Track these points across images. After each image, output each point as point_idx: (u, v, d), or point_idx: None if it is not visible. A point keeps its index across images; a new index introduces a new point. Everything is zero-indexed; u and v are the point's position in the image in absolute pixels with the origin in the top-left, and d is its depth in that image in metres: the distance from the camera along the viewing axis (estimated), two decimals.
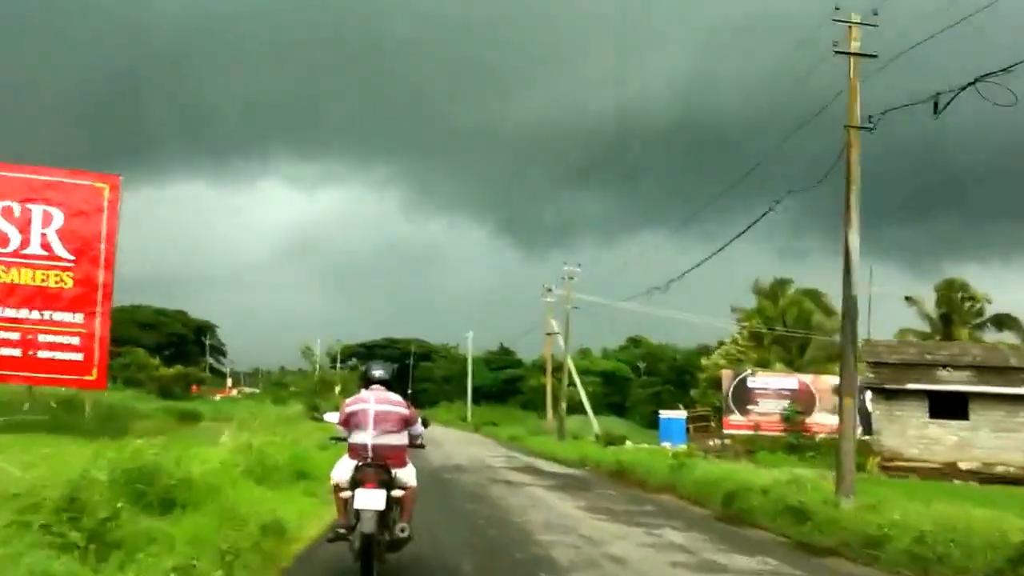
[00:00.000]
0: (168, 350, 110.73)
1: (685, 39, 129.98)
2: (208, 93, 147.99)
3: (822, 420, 44.03)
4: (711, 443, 41.93)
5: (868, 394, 38.04)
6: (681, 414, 47.56)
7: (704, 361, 67.35)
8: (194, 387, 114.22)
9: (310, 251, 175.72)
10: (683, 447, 41.61)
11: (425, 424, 9.68)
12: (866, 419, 41.17)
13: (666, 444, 41.82)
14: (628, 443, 41.72)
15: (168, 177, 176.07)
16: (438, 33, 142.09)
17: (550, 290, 55.99)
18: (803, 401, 45.57)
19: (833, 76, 17.29)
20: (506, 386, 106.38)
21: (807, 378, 47.29)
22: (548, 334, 58.97)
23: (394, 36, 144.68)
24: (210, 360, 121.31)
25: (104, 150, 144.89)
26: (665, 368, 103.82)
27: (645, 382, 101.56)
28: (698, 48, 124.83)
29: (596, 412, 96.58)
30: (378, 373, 9.21)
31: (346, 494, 8.70)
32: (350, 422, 8.90)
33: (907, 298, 59.14)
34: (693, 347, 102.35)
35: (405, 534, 8.72)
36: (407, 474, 8.94)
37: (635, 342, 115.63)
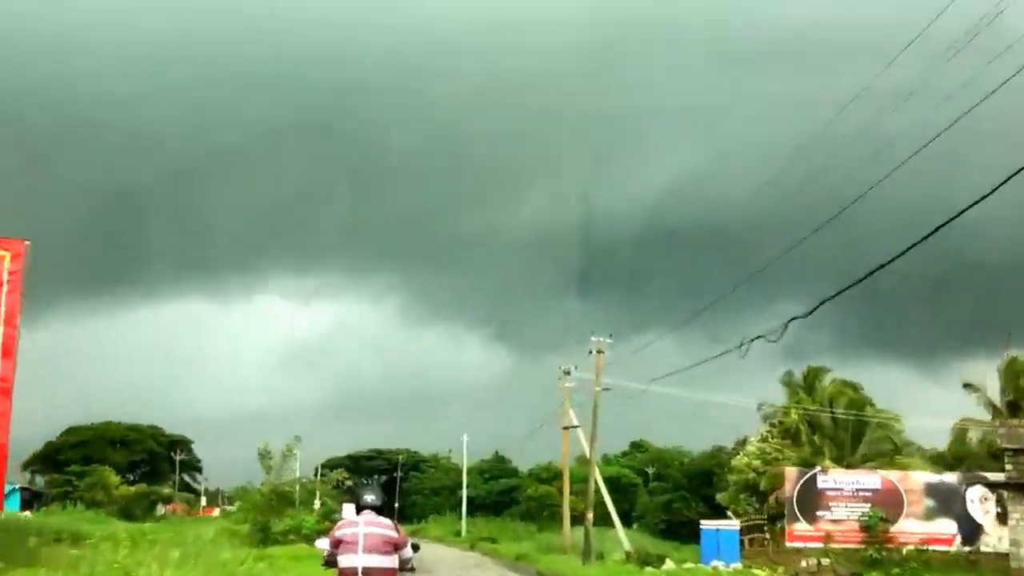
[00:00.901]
0: (140, 468, 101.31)
1: (691, 137, 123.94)
2: (205, 210, 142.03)
3: (911, 527, 34.94)
4: (803, 564, 32.41)
5: (974, 492, 29.36)
6: (733, 524, 37.79)
7: (734, 462, 57.82)
8: (173, 506, 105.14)
9: (304, 364, 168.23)
10: (738, 566, 32.38)
11: (415, 548, 9.87)
12: (971, 526, 32.49)
13: (716, 564, 32.54)
14: (668, 562, 32.48)
15: (164, 296, 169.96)
16: (435, 144, 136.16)
17: (568, 373, 46.83)
18: (887, 504, 36.07)
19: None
20: (502, 497, 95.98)
21: (893, 475, 37.75)
22: (565, 428, 49.34)
23: (391, 148, 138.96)
24: (185, 478, 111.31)
25: (100, 269, 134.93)
26: (676, 474, 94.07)
27: (655, 488, 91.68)
28: (704, 146, 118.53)
29: (599, 523, 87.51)
30: (370, 499, 9.60)
31: None
32: (340, 545, 9.29)
33: (967, 385, 50.37)
34: (705, 449, 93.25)
35: None
36: None
37: (638, 446, 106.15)
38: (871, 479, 37.37)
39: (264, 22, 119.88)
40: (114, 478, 73.17)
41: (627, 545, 40.36)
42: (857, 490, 36.59)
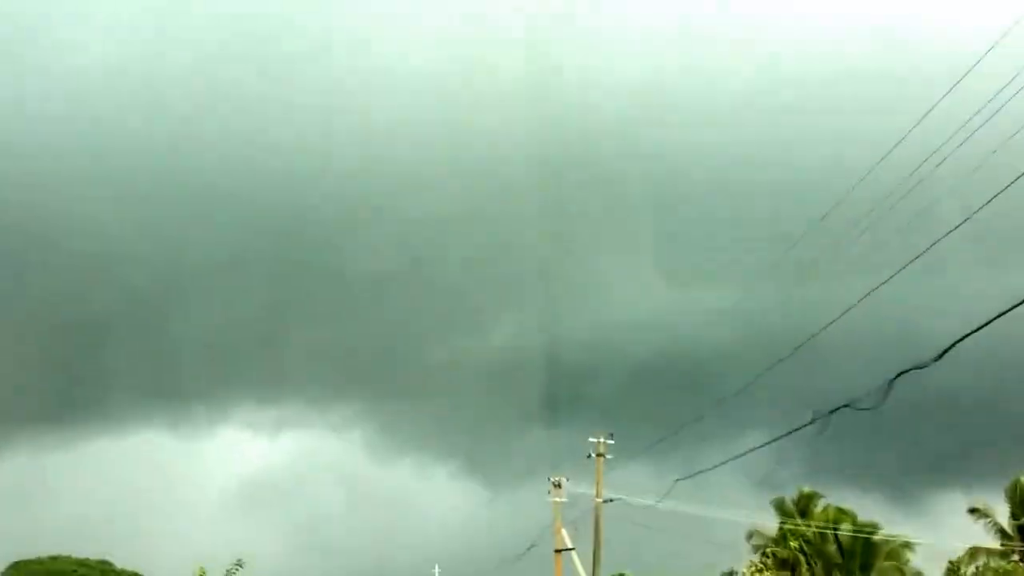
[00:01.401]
0: None
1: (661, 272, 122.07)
2: (168, 338, 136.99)
3: None
4: None
5: None
6: None
7: None
8: None
9: (266, 498, 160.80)
10: None
11: None
12: None
13: None
14: None
15: (126, 427, 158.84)
16: (399, 271, 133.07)
17: (559, 485, 40.40)
18: None
19: None
20: None
21: None
22: (558, 551, 40.20)
23: (355, 275, 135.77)
24: None
25: (61, 399, 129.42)
26: None
27: None
28: (676, 280, 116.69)
29: None
30: None
31: None
32: None
33: (973, 511, 47.55)
34: None
35: None
36: None
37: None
38: None
39: (225, 146, 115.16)
40: None
41: None
42: None
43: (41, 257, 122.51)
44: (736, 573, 66.94)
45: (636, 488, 38.42)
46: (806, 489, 55.09)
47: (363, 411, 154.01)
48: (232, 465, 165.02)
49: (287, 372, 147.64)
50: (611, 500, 36.26)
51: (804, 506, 54.10)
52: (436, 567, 66.75)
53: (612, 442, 37.60)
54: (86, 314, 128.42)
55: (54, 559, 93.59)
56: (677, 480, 28.91)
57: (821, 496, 54.27)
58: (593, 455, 36.88)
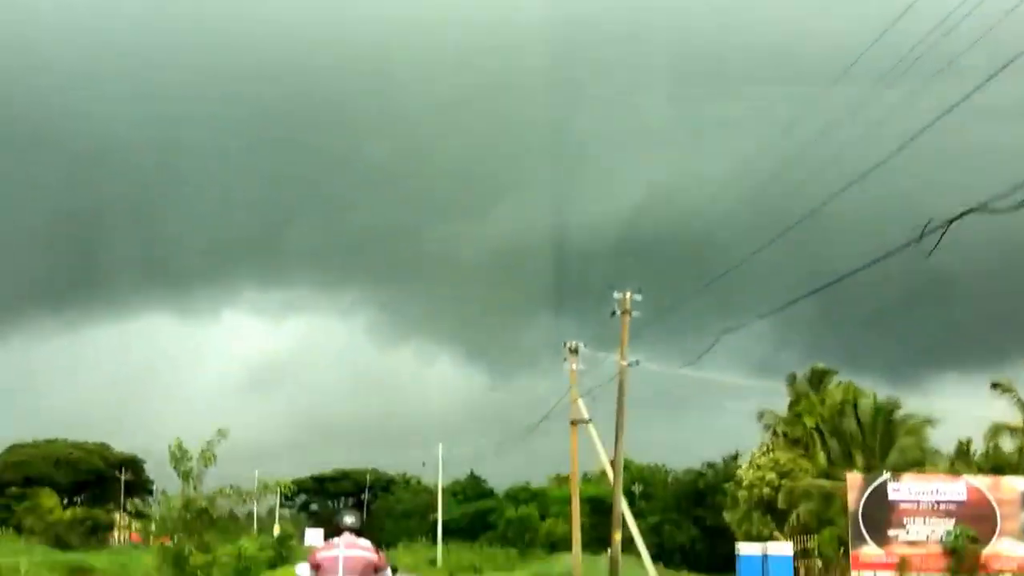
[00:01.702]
0: (87, 490, 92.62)
1: (670, 139, 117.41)
2: (172, 225, 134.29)
3: (1008, 549, 28.11)
4: None
5: None
6: (784, 548, 29.86)
7: (743, 476, 50.52)
8: (134, 535, 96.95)
9: (269, 382, 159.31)
10: None
11: (394, 570, 10.10)
12: None
13: None
14: None
15: (129, 311, 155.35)
16: (406, 156, 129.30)
17: (575, 351, 36.28)
18: (976, 519, 28.60)
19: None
20: (476, 521, 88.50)
21: (980, 482, 30.23)
22: (574, 423, 37.15)
23: (361, 160, 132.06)
24: (138, 502, 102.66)
25: (64, 284, 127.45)
26: (663, 494, 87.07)
27: (642, 510, 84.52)
28: (684, 148, 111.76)
29: (585, 549, 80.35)
30: (349, 521, 9.53)
31: None
32: (320, 570, 9.12)
33: (995, 385, 43.68)
34: (691, 467, 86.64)
35: None
36: None
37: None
38: (954, 487, 29.71)
39: (229, 30, 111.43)
40: (49, 501, 64.74)
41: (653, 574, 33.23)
42: (937, 502, 29.04)
43: (42, 144, 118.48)
44: (741, 455, 64.01)
45: (640, 373, 34.22)
46: (819, 365, 51.54)
47: (368, 295, 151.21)
48: (237, 349, 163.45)
49: (292, 256, 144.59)
50: (636, 363, 31.85)
51: (817, 383, 50.67)
52: (440, 447, 63.65)
53: (640, 298, 33.01)
54: (87, 200, 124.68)
55: (50, 442, 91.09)
56: (721, 333, 24.87)
57: (834, 372, 50.80)
58: (617, 312, 32.56)
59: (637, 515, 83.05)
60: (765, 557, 27.60)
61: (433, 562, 58.12)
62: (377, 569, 9.31)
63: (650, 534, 79.03)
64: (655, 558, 69.64)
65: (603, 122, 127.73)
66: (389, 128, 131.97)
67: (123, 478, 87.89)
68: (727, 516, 51.36)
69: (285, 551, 44.43)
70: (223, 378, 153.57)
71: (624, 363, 28.21)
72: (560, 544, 75.30)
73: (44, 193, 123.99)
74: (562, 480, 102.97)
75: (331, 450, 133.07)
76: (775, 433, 51.52)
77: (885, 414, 44.31)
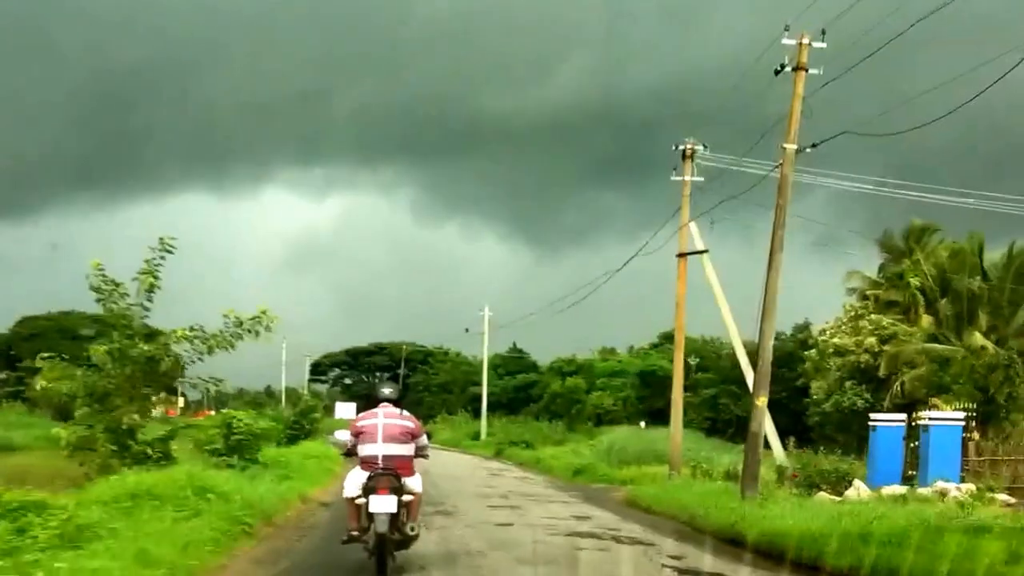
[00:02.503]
0: None
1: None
2: (208, 98, 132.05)
3: None
4: None
5: None
6: (953, 418, 21.69)
7: (833, 341, 43.06)
8: (170, 410, 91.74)
9: (313, 259, 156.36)
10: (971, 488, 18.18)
11: (428, 437, 10.61)
12: None
13: (940, 485, 18.36)
14: (859, 487, 18.33)
15: (166, 188, 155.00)
16: (451, 24, 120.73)
17: (690, 155, 25.36)
18: None
19: None
20: (519, 394, 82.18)
21: None
22: (682, 255, 26.12)
23: (404, 29, 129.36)
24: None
25: (99, 160, 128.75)
26: (723, 364, 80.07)
27: (698, 382, 77.72)
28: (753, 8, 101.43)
29: (632, 421, 73.71)
30: (386, 392, 10.17)
31: (360, 500, 9.53)
32: (361, 436, 9.81)
33: None
34: (752, 339, 79.42)
35: (414, 532, 9.74)
36: (414, 482, 9.86)
37: (670, 338, 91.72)
38: None
39: None
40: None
41: (782, 458, 25.86)
42: None
43: (78, 10, 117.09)
44: (811, 325, 57.21)
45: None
46: (918, 221, 43.35)
47: (411, 170, 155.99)
48: (273, 226, 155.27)
49: (333, 130, 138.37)
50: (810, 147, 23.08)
51: (916, 241, 42.73)
52: (486, 308, 56.40)
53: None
54: (119, 71, 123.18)
55: (66, 314, 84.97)
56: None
57: (937, 228, 42.73)
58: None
59: (691, 387, 76.75)
60: (929, 428, 19.99)
61: (476, 436, 51.53)
62: (414, 436, 9.96)
63: (705, 407, 72.83)
64: (709, 432, 63.29)
65: None
66: None
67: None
68: (813, 386, 44.03)
69: (308, 424, 37.75)
70: (262, 256, 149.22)
71: (792, 148, 18.97)
72: (606, 417, 69.32)
73: (76, 65, 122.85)
74: (607, 352, 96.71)
75: (372, 327, 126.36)
76: (864, 297, 44.17)
77: (1015, 265, 36.55)
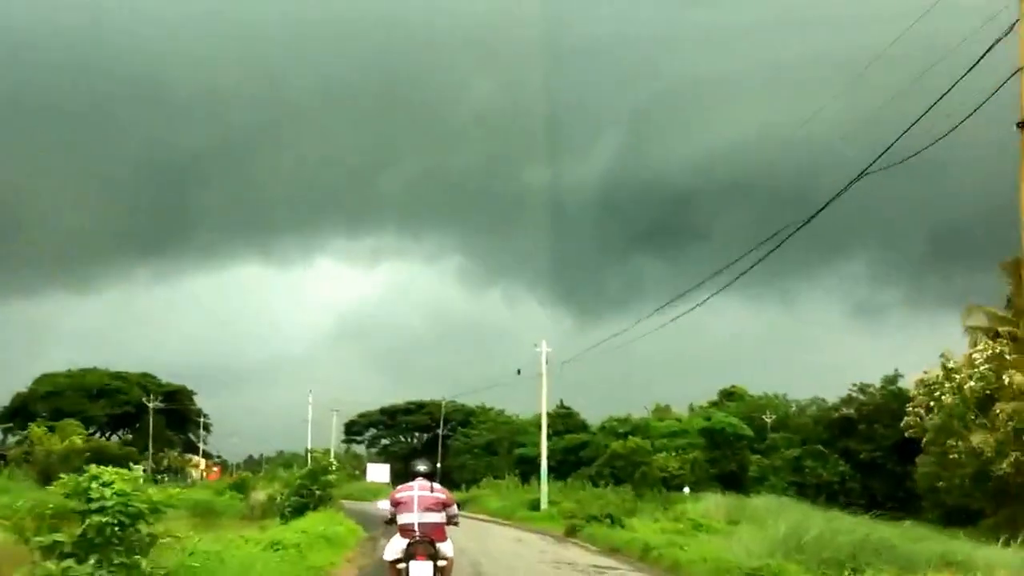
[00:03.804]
0: (128, 425, 76.74)
1: (761, 83, 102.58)
2: (261, 176, 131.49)
3: None
4: None
5: None
6: None
7: (969, 383, 32.05)
8: (212, 474, 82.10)
9: (359, 326, 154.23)
10: None
11: (459, 507, 11.18)
12: None
13: None
14: None
15: (222, 261, 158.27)
16: (497, 104, 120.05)
17: None
18: None
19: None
20: (568, 456, 70.50)
21: None
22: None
23: (452, 110, 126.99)
24: (191, 437, 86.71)
25: (155, 234, 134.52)
26: (807, 422, 68.38)
27: (778, 442, 65.97)
28: (773, 93, 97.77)
29: (699, 488, 61.85)
30: (421, 468, 10.77)
31: (401, 566, 10.16)
32: (399, 506, 10.42)
33: None
34: (814, 397, 68.61)
35: None
36: (447, 547, 10.40)
37: (729, 395, 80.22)
38: None
39: None
40: (75, 436, 48.23)
41: None
42: None
43: (138, 95, 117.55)
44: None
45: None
46: None
47: (457, 240, 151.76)
48: (327, 294, 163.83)
49: (382, 202, 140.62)
50: None
51: None
52: (543, 344, 44.59)
53: None
54: (182, 150, 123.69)
55: (86, 372, 75.76)
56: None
57: None
58: None
59: (770, 449, 64.76)
60: None
61: (534, 506, 39.69)
62: (445, 506, 10.53)
63: (787, 470, 61.32)
64: (797, 497, 51.51)
65: (700, 64, 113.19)
66: (482, 80, 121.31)
67: (152, 405, 71.32)
68: (975, 440, 32.70)
69: (319, 488, 26.96)
70: (311, 323, 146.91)
71: None
72: (672, 482, 57.98)
73: (137, 141, 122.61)
74: (662, 411, 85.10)
75: (414, 392, 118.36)
76: (996, 335, 33.88)
77: None
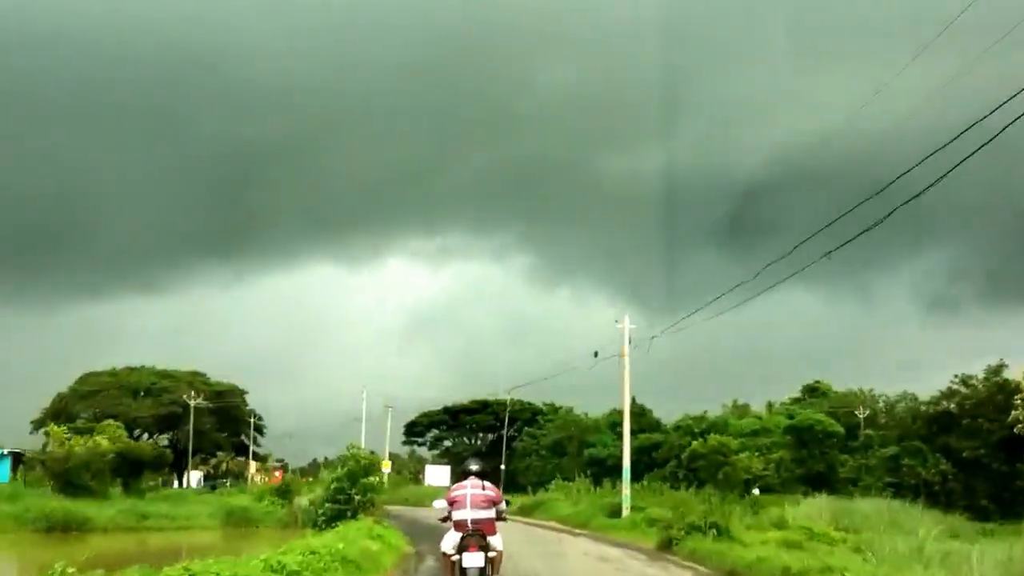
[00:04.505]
0: (175, 427, 72.33)
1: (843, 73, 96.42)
2: (332, 174, 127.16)
3: None
4: None
5: None
6: None
7: None
8: (270, 478, 78.08)
9: (428, 324, 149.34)
10: None
11: (507, 504, 11.99)
12: None
13: None
14: None
15: (295, 260, 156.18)
16: (561, 95, 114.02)
17: None
18: None
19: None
20: (640, 456, 64.57)
21: None
22: None
23: (522, 103, 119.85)
24: (243, 439, 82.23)
25: (228, 234, 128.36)
26: (904, 418, 61.71)
27: (871, 439, 59.42)
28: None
29: (789, 489, 55.75)
30: (474, 467, 11.57)
31: (455, 557, 10.85)
32: (454, 504, 11.18)
33: None
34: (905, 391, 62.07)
35: None
36: (497, 540, 11.14)
37: (812, 390, 73.63)
38: None
39: None
40: (99, 437, 43.64)
41: None
42: None
43: (209, 91, 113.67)
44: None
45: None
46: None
47: (525, 238, 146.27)
48: (396, 293, 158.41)
49: (451, 200, 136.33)
50: None
51: None
52: (625, 319, 38.31)
53: None
54: (250, 148, 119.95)
55: (132, 370, 71.44)
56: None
57: None
58: None
59: (863, 447, 58.29)
60: None
61: (614, 512, 33.94)
62: (495, 503, 11.25)
63: (882, 469, 54.99)
64: (893, 497, 45.75)
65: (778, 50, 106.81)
66: (552, 72, 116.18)
67: (193, 404, 66.70)
68: None
69: (359, 494, 21.82)
70: (381, 321, 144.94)
71: None
72: (756, 484, 52.14)
73: (207, 140, 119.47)
74: (740, 408, 78.84)
75: (481, 391, 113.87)
76: None
77: None
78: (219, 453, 76.65)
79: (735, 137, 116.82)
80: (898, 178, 16.12)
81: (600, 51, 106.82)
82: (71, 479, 38.26)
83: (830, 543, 23.38)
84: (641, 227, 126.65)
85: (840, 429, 58.10)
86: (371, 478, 23.54)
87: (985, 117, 12.87)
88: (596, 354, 39.46)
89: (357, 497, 22.91)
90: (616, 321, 38.44)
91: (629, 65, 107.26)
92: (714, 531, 20.51)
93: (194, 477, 76.01)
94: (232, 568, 10.34)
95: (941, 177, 14.66)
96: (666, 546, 21.41)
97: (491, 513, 11.08)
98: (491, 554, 10.80)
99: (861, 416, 62.16)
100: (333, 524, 21.80)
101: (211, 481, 74.55)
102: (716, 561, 17.58)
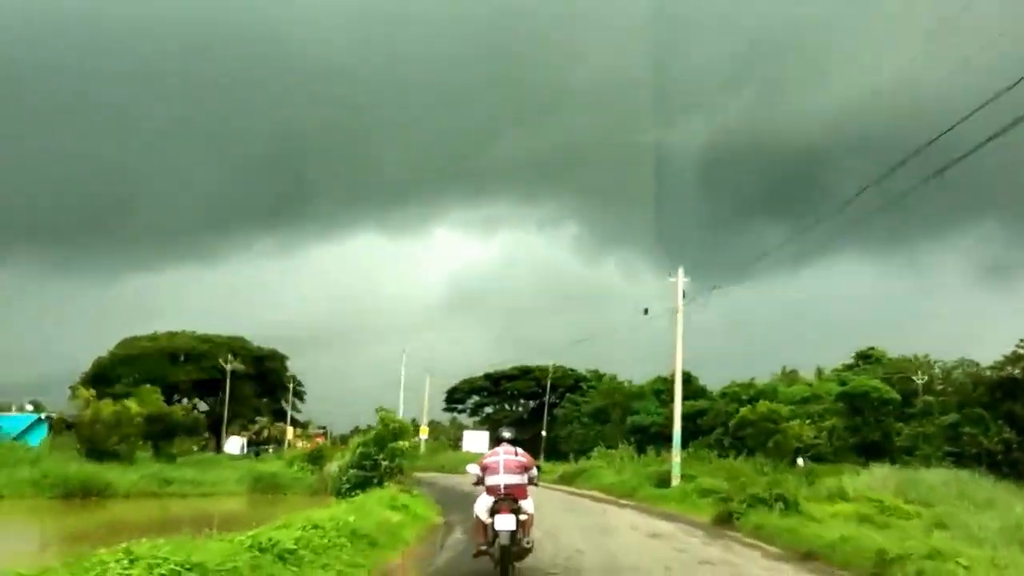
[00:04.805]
0: (214, 393, 71.07)
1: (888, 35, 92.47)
2: (378, 145, 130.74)
3: None
4: None
5: None
6: None
7: None
8: (311, 443, 76.85)
9: (474, 294, 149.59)
10: None
11: (539, 470, 12.01)
12: None
13: None
14: None
15: (339, 231, 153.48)
16: (611, 69, 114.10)
17: None
18: None
19: None
20: (686, 424, 62.03)
21: None
22: None
23: (569, 79, 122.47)
24: (283, 404, 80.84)
25: (275, 205, 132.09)
26: (966, 384, 58.50)
27: (930, 406, 56.49)
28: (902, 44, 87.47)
29: (842, 459, 53.21)
30: (507, 435, 11.82)
31: (487, 520, 11.16)
32: (487, 470, 11.43)
33: None
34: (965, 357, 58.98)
35: (529, 545, 11.26)
36: (528, 504, 11.35)
37: (866, 357, 70.48)
38: None
39: None
40: (129, 401, 42.04)
41: None
42: None
43: (259, 69, 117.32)
44: None
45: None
46: None
47: (572, 208, 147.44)
48: (442, 262, 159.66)
49: (498, 171, 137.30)
50: None
51: None
52: (680, 272, 35.62)
53: None
54: (303, 123, 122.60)
55: (173, 335, 70.16)
56: None
57: None
58: None
59: (921, 414, 55.43)
60: None
61: (662, 481, 31.47)
62: (526, 468, 11.48)
63: (941, 438, 52.10)
64: (953, 466, 43.13)
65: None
66: (602, 49, 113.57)
67: (229, 367, 65.12)
68: None
69: (387, 459, 19.74)
70: (427, 290, 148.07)
71: None
72: (807, 453, 49.51)
73: (259, 114, 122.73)
74: (789, 375, 75.83)
75: (524, 359, 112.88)
76: None
77: None
78: (259, 418, 75.34)
79: (783, 104, 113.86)
80: (945, 132, 14.52)
81: (635, 27, 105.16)
82: (97, 443, 36.77)
83: (905, 517, 20.91)
84: (688, 197, 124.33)
85: (896, 396, 55.17)
86: (400, 443, 21.47)
87: None
88: (646, 311, 36.71)
89: (384, 463, 20.89)
90: (669, 274, 35.79)
91: (668, 38, 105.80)
92: (781, 505, 18.06)
93: (236, 443, 74.98)
94: (186, 551, 8.09)
95: (995, 136, 13.04)
96: (725, 520, 19.01)
97: (523, 479, 11.34)
98: (522, 517, 11.06)
99: (919, 382, 59.09)
100: (356, 492, 19.78)
101: (254, 447, 73.41)
102: (787, 539, 15.18)
